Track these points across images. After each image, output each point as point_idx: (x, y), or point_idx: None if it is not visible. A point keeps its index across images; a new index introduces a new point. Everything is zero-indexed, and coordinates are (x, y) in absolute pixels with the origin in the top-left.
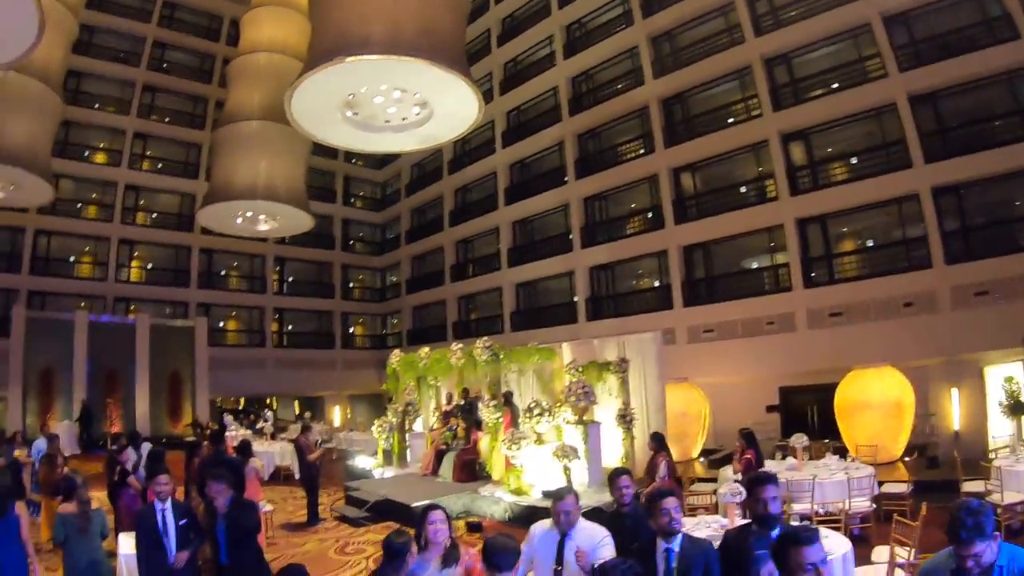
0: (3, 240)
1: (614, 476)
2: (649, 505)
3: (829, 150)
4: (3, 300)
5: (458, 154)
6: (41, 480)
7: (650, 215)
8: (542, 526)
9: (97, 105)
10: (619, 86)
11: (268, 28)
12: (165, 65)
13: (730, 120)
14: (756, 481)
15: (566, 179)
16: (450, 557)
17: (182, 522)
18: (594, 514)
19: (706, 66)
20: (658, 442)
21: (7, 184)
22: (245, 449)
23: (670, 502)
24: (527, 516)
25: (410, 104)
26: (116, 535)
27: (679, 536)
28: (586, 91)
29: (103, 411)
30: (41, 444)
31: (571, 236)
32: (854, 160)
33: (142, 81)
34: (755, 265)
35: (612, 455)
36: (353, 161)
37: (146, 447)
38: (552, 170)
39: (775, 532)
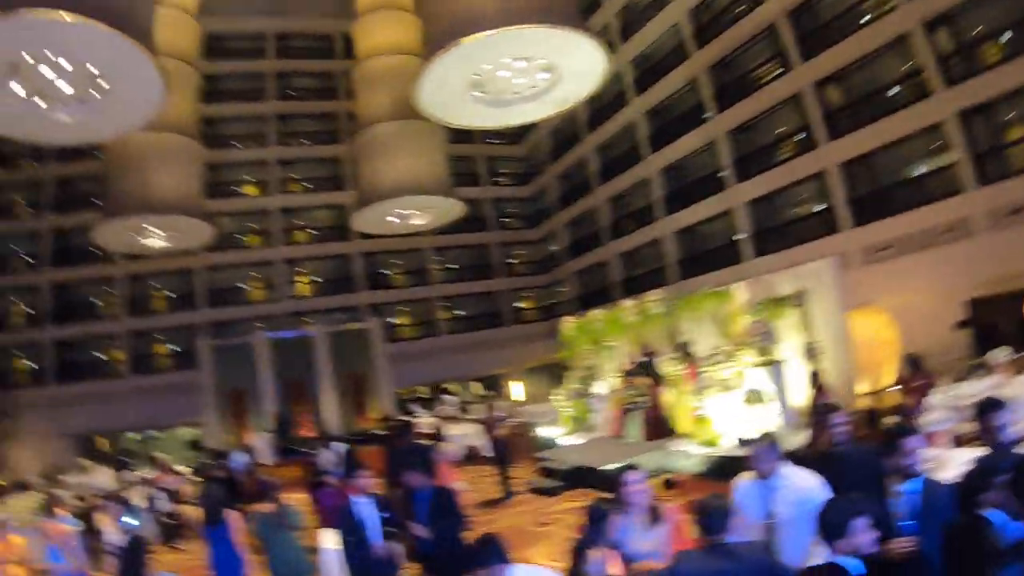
0: (178, 282)
1: (824, 412)
2: (888, 445)
3: (979, 30)
4: (187, 335)
5: (593, 112)
6: (243, 491)
7: (801, 136)
8: (746, 478)
9: (237, 144)
10: (741, 7)
11: (380, 33)
12: (291, 92)
13: (866, 18)
14: (986, 407)
15: (707, 115)
16: (655, 517)
17: (382, 515)
18: (794, 458)
19: None
20: (818, 384)
21: (169, 231)
22: (437, 435)
23: (913, 442)
24: (721, 467)
25: (535, 71)
26: (318, 533)
27: (920, 479)
28: (708, 20)
29: (295, 419)
30: (239, 457)
31: (723, 173)
32: (1008, 36)
33: (273, 112)
34: (922, 170)
35: (800, 394)
36: (491, 141)
37: (340, 446)
38: (691, 109)
39: (1009, 460)
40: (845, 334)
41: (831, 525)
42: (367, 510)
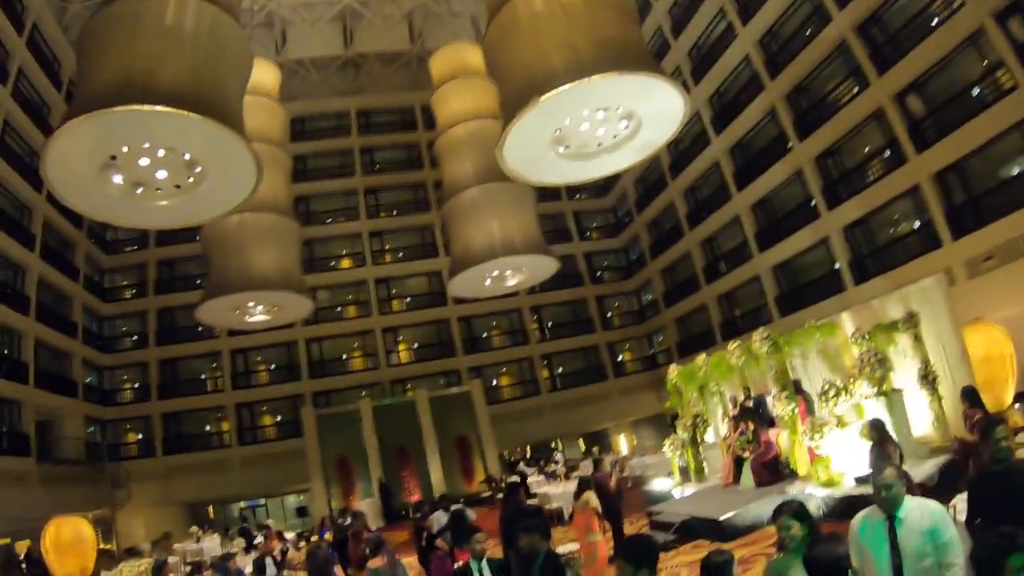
0: (281, 355)
1: (990, 427)
2: None
3: None
4: (291, 405)
5: (676, 156)
6: (350, 554)
7: (888, 153)
8: (864, 515)
9: (329, 219)
10: (808, 31)
11: (457, 101)
12: (377, 166)
13: (935, 20)
14: None
15: (790, 145)
16: None
17: None
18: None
19: None
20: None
21: (270, 307)
22: (584, 484)
23: None
24: (843, 509)
25: (616, 120)
26: None
27: None
28: (778, 48)
29: (400, 484)
30: (346, 522)
31: (813, 202)
32: None
33: (361, 187)
34: (1017, 170)
35: (921, 423)
36: (577, 196)
37: (456, 508)
38: (773, 140)
39: None
40: (963, 353)
41: (985, 563)
42: (484, 574)
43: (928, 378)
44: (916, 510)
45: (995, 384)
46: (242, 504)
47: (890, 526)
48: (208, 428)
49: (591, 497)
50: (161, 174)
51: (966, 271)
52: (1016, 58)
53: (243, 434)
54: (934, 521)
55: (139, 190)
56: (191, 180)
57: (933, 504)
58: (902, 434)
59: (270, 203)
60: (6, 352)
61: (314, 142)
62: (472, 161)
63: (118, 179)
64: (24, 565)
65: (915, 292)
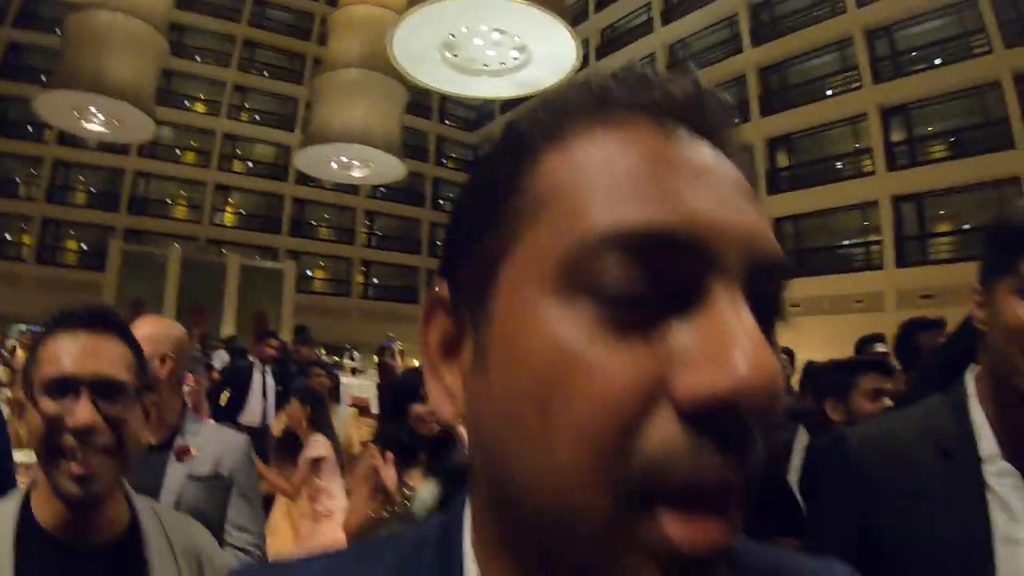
0: (105, 180)
1: None
2: None
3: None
4: (100, 236)
5: None
6: None
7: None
8: None
9: (198, 58)
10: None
11: None
12: (265, 22)
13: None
14: None
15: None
16: None
17: None
18: None
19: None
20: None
21: (110, 118)
22: None
23: None
24: None
25: (509, 48)
26: None
27: None
28: (683, 57)
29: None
30: None
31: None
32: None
33: (242, 37)
34: (846, 241)
35: None
36: (445, 122)
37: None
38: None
39: None
40: None
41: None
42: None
43: None
44: None
45: None
46: (23, 327)
47: None
48: (7, 236)
49: None
50: None
51: None
52: (883, 152)
53: (43, 252)
54: None
55: None
56: None
57: None
58: None
59: (147, 12)
60: None
61: None
62: (361, 44)
63: None
64: None
65: None
